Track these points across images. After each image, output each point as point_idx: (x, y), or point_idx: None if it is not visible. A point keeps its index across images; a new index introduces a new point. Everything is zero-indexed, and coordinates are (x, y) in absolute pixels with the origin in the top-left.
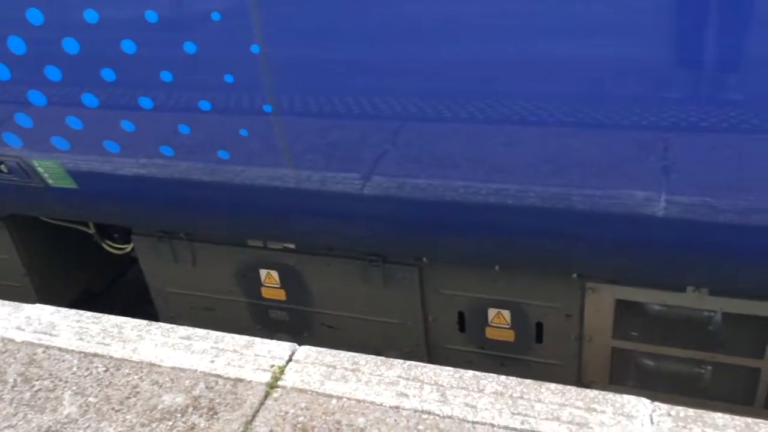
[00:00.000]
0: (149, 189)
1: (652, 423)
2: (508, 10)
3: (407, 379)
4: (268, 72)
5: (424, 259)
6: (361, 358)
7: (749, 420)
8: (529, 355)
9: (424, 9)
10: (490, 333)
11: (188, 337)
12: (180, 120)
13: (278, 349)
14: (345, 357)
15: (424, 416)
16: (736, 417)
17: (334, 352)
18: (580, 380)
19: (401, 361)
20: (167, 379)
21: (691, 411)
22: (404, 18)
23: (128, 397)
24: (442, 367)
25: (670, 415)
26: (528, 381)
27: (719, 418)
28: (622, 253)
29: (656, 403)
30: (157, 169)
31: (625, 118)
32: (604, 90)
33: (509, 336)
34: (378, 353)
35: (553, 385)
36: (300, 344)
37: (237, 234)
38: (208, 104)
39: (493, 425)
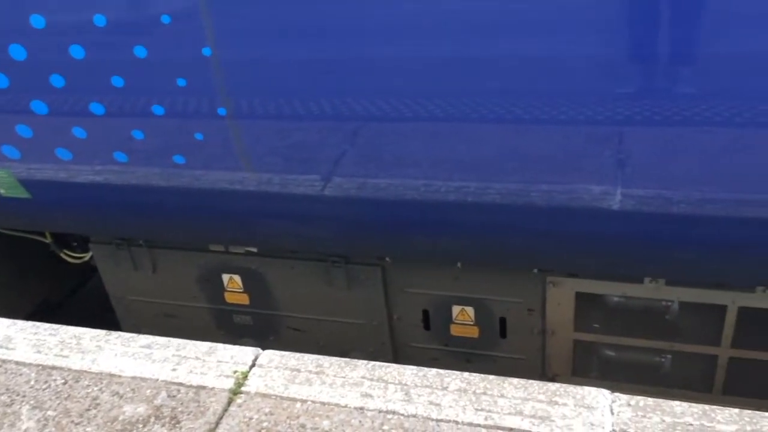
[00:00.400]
0: (105, 196)
1: (612, 413)
2: (464, 8)
3: (371, 379)
4: (221, 75)
5: (387, 259)
6: (325, 361)
7: (706, 407)
8: (493, 351)
9: (378, 8)
10: (454, 330)
11: (149, 346)
12: (133, 125)
13: (241, 354)
14: (309, 360)
15: (389, 416)
16: (694, 405)
17: (297, 355)
18: (545, 373)
19: (365, 361)
20: (128, 389)
21: (650, 400)
22: (358, 17)
23: (88, 410)
24: (406, 367)
25: (629, 405)
26: (491, 377)
27: (677, 406)
28: (581, 246)
29: (616, 394)
30: (112, 175)
31: (580, 114)
32: (559, 86)
33: (473, 332)
34: (344, 354)
35: (515, 380)
36: (265, 348)
37: (198, 239)
38: (161, 109)
39: (457, 422)
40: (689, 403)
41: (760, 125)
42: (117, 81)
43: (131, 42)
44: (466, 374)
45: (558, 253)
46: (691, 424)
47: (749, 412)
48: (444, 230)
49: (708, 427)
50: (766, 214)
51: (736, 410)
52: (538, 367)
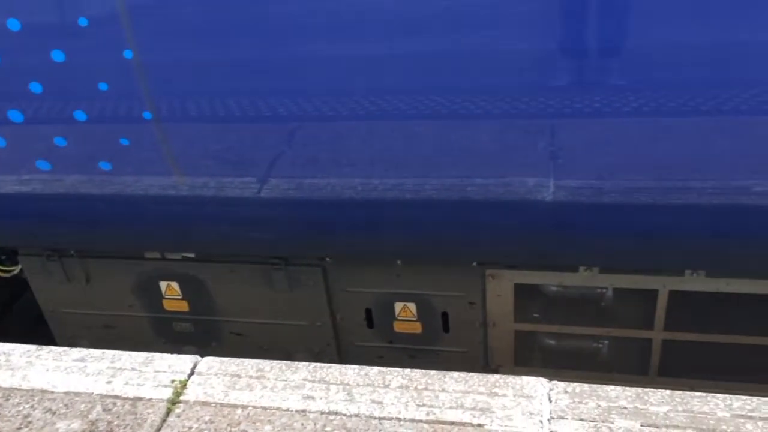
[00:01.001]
0: (31, 207)
1: (550, 401)
2: (383, 6)
3: (313, 381)
4: (144, 78)
5: (328, 259)
6: (266, 365)
7: (639, 390)
8: (437, 345)
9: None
10: (398, 327)
11: (82, 359)
12: (55, 132)
13: (179, 362)
14: (249, 365)
15: (331, 417)
16: (628, 388)
17: (237, 360)
18: (488, 365)
19: (306, 363)
20: (61, 405)
21: (586, 386)
22: (284, 17)
23: (19, 428)
24: (348, 366)
25: (566, 392)
26: (432, 372)
27: (612, 390)
28: (518, 238)
29: (554, 382)
30: (37, 185)
31: (512, 108)
32: (491, 81)
33: (417, 328)
34: (289, 356)
35: (456, 374)
36: (209, 355)
37: (132, 247)
38: (83, 114)
39: (399, 419)
40: (623, 387)
41: (684, 114)
42: (35, 87)
43: (48, 46)
44: (407, 371)
45: (495, 245)
46: (626, 408)
47: (680, 393)
48: (383, 228)
49: (641, 409)
50: (692, 199)
51: (668, 392)
52: (481, 359)
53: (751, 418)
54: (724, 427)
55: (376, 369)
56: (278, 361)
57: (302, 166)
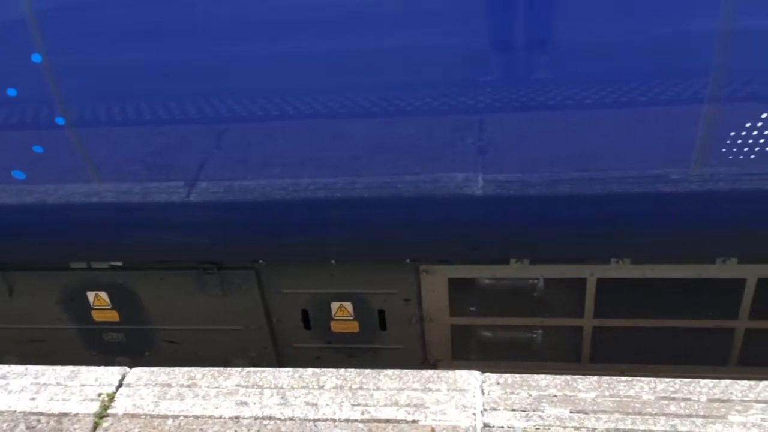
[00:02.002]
0: None
1: (483, 393)
2: (318, 4)
3: (246, 386)
4: (55, 82)
5: (261, 261)
6: (198, 372)
7: (568, 377)
8: (375, 343)
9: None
10: (335, 327)
11: (4, 376)
12: None
13: (106, 375)
14: (180, 373)
15: (265, 422)
16: (557, 376)
17: (168, 370)
18: (426, 360)
19: (240, 369)
20: None
21: (517, 377)
22: (203, 17)
23: None
24: (282, 369)
25: (498, 383)
26: (367, 371)
27: (542, 379)
28: (449, 233)
29: (486, 374)
30: None
31: (440, 104)
32: (418, 78)
33: (354, 327)
34: (226, 362)
35: (390, 371)
36: (144, 365)
37: (56, 257)
38: None
39: (334, 420)
40: (554, 376)
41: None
42: None
43: None
44: (341, 371)
45: (427, 241)
46: (555, 395)
47: (607, 378)
48: (315, 228)
49: (570, 396)
50: (617, 189)
51: (596, 378)
52: (419, 354)
53: (674, 399)
54: (649, 409)
55: (310, 371)
56: (210, 368)
57: (230, 168)
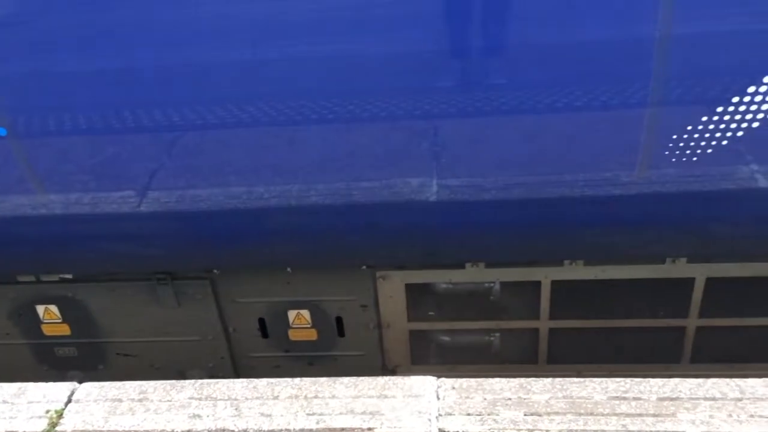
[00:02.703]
0: None
1: (438, 398)
2: (268, 10)
3: (200, 399)
4: None
5: (215, 271)
6: (149, 386)
7: (522, 380)
8: (334, 351)
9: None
10: (293, 335)
11: None
12: None
13: (55, 391)
14: (131, 387)
15: None
16: (512, 379)
17: (118, 384)
18: (385, 366)
19: (193, 381)
20: None
21: (472, 381)
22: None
23: None
24: (236, 380)
25: (453, 388)
26: (322, 379)
27: (497, 383)
28: (405, 238)
29: (441, 379)
30: None
31: (397, 110)
32: (372, 84)
33: (312, 335)
34: (182, 374)
35: (346, 379)
36: (97, 380)
37: (3, 271)
38: None
39: (289, 430)
40: (508, 379)
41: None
42: None
43: None
44: (297, 380)
45: (383, 247)
46: (510, 398)
47: (560, 379)
48: (270, 236)
49: (524, 398)
50: (568, 192)
51: (549, 380)
52: (378, 361)
53: (625, 399)
54: (601, 409)
55: (264, 381)
56: (163, 381)
57: (182, 177)
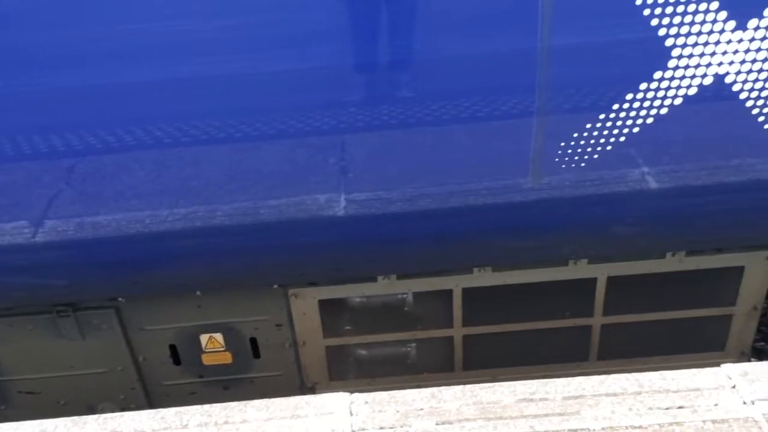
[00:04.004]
0: None
1: (351, 414)
2: (171, 29)
3: None
4: None
5: (120, 299)
6: (49, 424)
7: (434, 389)
8: (250, 373)
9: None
10: (206, 359)
11: None
12: None
13: None
14: (30, 427)
15: None
16: (423, 389)
17: (15, 425)
18: (304, 385)
19: (96, 416)
20: None
21: (385, 394)
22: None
23: None
24: (142, 412)
25: (366, 402)
26: (233, 404)
27: (409, 394)
28: (314, 255)
29: (354, 394)
30: None
31: (304, 125)
32: (276, 101)
33: (226, 358)
34: (92, 409)
35: (257, 402)
36: None
37: None
38: None
39: None
40: (420, 389)
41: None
42: None
43: None
44: (206, 407)
45: (293, 265)
46: (422, 408)
47: (470, 386)
48: (177, 259)
49: (436, 407)
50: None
51: (460, 387)
52: (296, 379)
53: (532, 400)
54: (510, 412)
55: (173, 410)
56: (64, 418)
57: (80, 203)
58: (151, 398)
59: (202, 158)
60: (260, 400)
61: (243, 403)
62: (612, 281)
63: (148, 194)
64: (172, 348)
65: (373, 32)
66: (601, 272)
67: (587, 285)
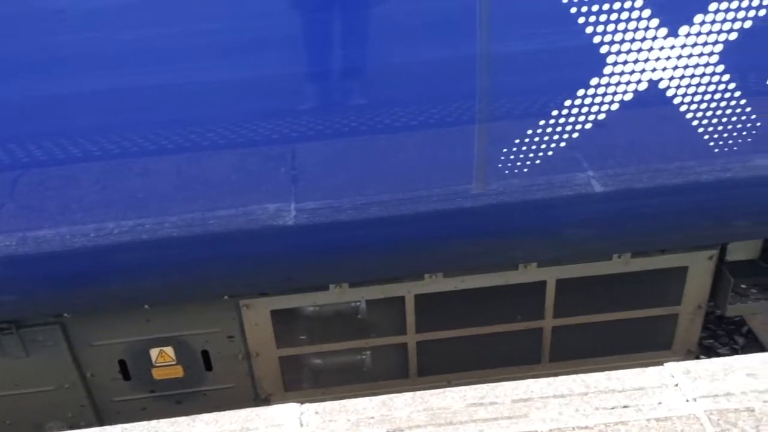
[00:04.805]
0: None
1: (301, 425)
2: (113, 36)
3: None
4: None
5: (66, 315)
6: None
7: (385, 397)
8: (202, 386)
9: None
10: (157, 374)
11: None
12: None
13: None
14: None
15: None
16: (374, 397)
17: None
18: (258, 396)
19: None
20: None
21: (336, 403)
22: None
23: None
24: (84, 431)
25: (317, 412)
26: (181, 419)
27: (359, 402)
28: (264, 266)
29: (305, 405)
30: None
31: (254, 134)
32: (224, 110)
33: (178, 372)
34: (39, 428)
35: (206, 416)
36: None
37: None
38: None
39: None
40: (371, 397)
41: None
42: None
43: None
44: (153, 422)
45: (243, 275)
46: (373, 417)
47: (420, 392)
48: (124, 273)
49: (387, 415)
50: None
51: (410, 394)
52: (250, 391)
53: (482, 404)
54: (460, 417)
55: (118, 427)
56: None
57: (23, 217)
58: (101, 415)
59: (148, 169)
60: (209, 414)
61: (192, 417)
62: (561, 284)
63: (92, 207)
64: (122, 363)
65: (311, 41)
66: (551, 275)
67: (537, 288)
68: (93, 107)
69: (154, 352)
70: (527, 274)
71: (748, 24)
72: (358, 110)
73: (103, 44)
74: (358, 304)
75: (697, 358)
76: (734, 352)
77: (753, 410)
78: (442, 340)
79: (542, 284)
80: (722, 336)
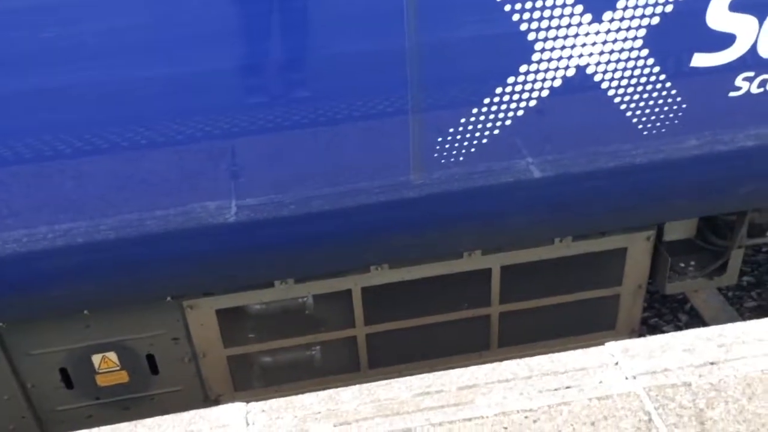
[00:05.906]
0: None
1: (248, 424)
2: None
3: None
4: None
5: (1, 324)
6: None
7: (331, 391)
8: (149, 390)
9: None
10: (101, 380)
11: None
12: None
13: None
14: None
15: None
16: (321, 392)
17: None
18: (208, 397)
19: None
20: None
21: (282, 401)
22: None
23: None
24: None
25: (263, 411)
26: (122, 425)
27: (306, 398)
28: (205, 264)
29: (251, 404)
30: None
31: (191, 131)
32: (160, 105)
33: (123, 377)
34: None
35: (149, 420)
36: None
37: None
38: None
39: None
40: (318, 392)
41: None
42: None
43: None
44: (94, 430)
45: (184, 276)
46: (320, 412)
47: (367, 384)
48: (60, 278)
49: (334, 410)
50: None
51: (357, 387)
52: (199, 393)
53: (428, 393)
54: (407, 407)
55: None
56: None
57: None
58: (44, 426)
59: (83, 169)
60: (151, 419)
61: (133, 423)
62: (506, 270)
63: (23, 210)
64: (63, 372)
65: (242, 34)
66: (495, 262)
67: (483, 276)
68: (20, 107)
69: (96, 359)
70: (472, 262)
71: (669, 8)
72: (296, 104)
73: (24, 43)
74: (304, 299)
75: (642, 336)
76: (678, 329)
77: (690, 384)
78: (391, 331)
79: (487, 271)
80: (666, 314)
